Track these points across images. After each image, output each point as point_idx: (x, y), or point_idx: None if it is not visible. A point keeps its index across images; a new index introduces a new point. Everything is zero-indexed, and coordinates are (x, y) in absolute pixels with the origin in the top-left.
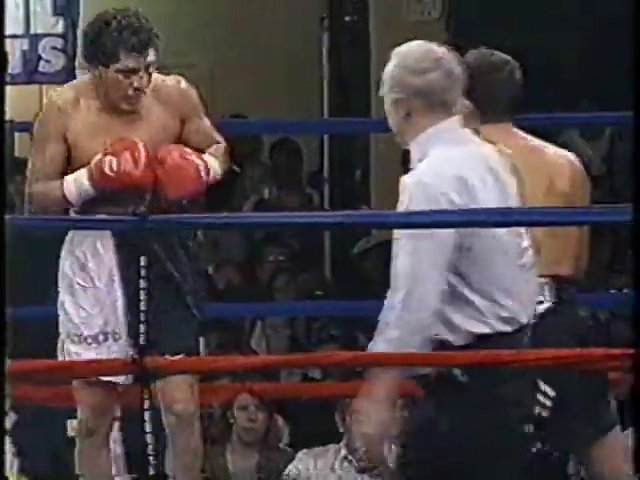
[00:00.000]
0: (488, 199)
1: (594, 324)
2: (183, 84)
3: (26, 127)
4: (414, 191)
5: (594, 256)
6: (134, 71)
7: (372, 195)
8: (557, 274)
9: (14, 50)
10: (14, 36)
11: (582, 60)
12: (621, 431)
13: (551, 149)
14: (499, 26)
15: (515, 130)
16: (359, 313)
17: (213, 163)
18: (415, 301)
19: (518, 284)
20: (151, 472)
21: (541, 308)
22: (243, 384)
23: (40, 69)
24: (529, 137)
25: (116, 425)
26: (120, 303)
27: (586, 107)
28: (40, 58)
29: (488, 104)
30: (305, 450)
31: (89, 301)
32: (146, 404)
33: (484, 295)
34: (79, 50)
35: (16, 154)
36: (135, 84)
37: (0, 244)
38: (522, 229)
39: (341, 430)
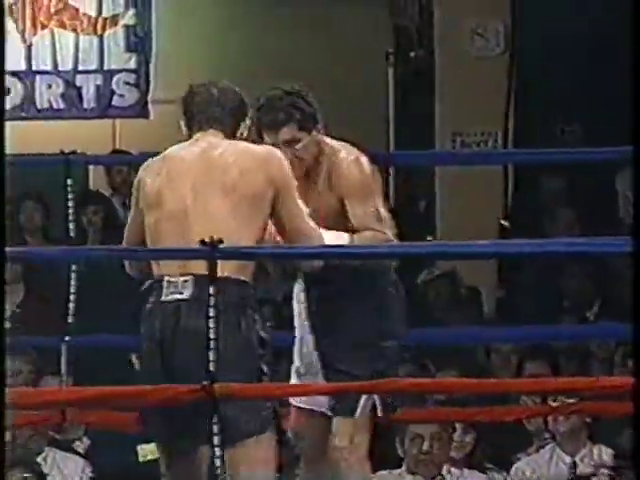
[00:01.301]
0: None
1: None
2: (350, 165)
3: (99, 160)
4: None
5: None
6: (276, 145)
7: (437, 226)
8: (192, 272)
9: (88, 85)
10: (88, 72)
11: None
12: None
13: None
14: (563, 61)
15: (210, 139)
16: (423, 342)
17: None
18: None
19: None
20: None
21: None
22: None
23: (113, 103)
24: (208, 146)
25: None
26: (309, 337)
27: None
28: (113, 93)
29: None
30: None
31: (295, 335)
32: (216, 429)
33: None
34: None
35: (90, 186)
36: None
37: (0, 253)
38: None
39: (401, 455)
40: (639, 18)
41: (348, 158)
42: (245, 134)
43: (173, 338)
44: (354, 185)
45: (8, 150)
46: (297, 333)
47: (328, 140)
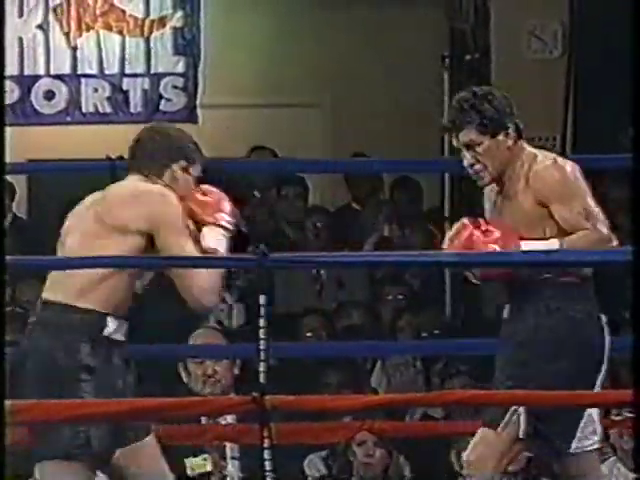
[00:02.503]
0: None
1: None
2: (548, 169)
3: None
4: None
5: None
6: (460, 150)
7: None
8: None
9: (135, 89)
10: (135, 75)
11: None
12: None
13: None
14: (622, 65)
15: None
16: (482, 352)
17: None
18: None
19: None
20: None
21: None
22: (363, 422)
23: (161, 108)
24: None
25: (236, 464)
26: None
27: None
28: (161, 97)
29: None
30: None
31: None
32: (266, 442)
33: None
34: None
35: None
36: (464, 162)
37: (0, 252)
38: None
39: (457, 470)
40: (639, 18)
41: (545, 162)
42: (180, 175)
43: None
44: (555, 188)
45: (48, 156)
46: None
47: (525, 146)
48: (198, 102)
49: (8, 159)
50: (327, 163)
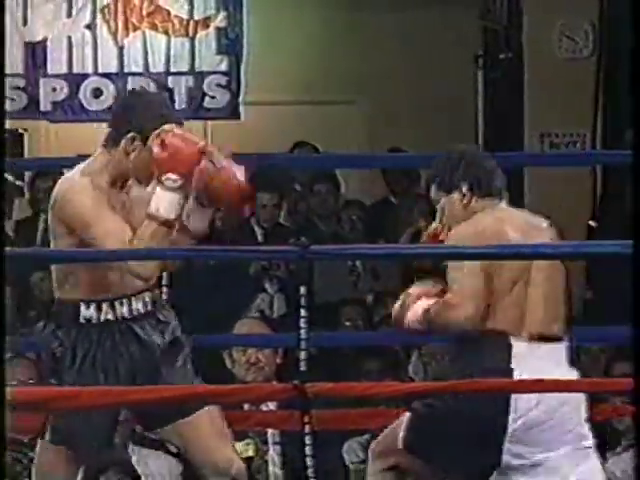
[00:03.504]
0: None
1: None
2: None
3: None
4: None
5: None
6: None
7: None
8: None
9: (180, 87)
10: (180, 73)
11: None
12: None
13: None
14: None
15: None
16: None
17: None
18: None
19: None
20: None
21: None
22: (399, 409)
23: (205, 105)
24: None
25: (277, 449)
26: None
27: None
28: (205, 95)
29: None
30: None
31: None
32: (307, 429)
33: None
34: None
35: None
36: None
37: (0, 250)
38: None
39: None
40: (639, 18)
41: (464, 224)
42: (133, 147)
43: None
44: None
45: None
46: None
47: (488, 205)
48: (241, 99)
49: (58, 155)
50: (368, 158)
